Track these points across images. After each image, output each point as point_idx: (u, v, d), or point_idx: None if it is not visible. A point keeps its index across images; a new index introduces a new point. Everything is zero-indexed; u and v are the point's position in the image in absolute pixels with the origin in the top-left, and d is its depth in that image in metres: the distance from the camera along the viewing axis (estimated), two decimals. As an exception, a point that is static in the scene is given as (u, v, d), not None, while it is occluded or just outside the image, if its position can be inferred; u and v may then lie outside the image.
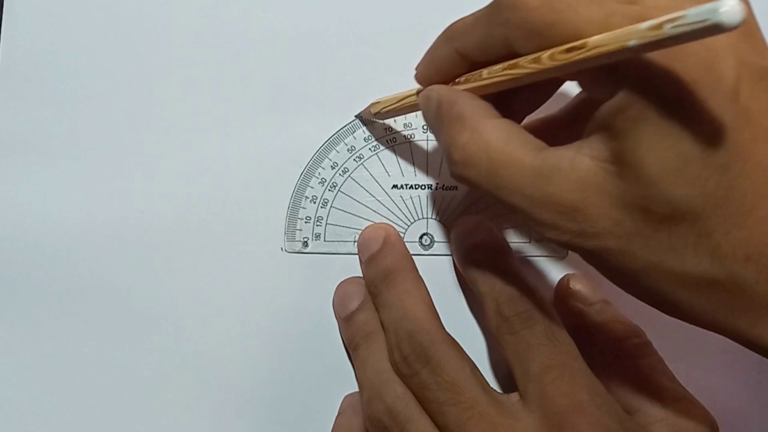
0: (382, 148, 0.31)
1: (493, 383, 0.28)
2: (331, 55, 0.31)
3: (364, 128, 0.31)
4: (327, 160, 0.31)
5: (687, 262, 0.19)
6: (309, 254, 0.30)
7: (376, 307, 0.28)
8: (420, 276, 0.28)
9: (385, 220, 0.31)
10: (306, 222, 0.30)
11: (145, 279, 0.30)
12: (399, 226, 0.30)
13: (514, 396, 0.25)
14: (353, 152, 0.31)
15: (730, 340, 0.21)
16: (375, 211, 0.31)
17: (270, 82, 0.31)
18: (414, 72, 0.27)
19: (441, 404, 0.24)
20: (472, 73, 0.24)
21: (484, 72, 0.23)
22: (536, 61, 0.20)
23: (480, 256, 0.27)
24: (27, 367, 0.30)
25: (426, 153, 0.31)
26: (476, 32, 0.23)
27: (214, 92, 0.31)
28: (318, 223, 0.30)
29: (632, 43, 0.17)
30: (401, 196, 0.31)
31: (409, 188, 0.31)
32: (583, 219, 0.20)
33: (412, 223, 0.31)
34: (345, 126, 0.31)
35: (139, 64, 0.31)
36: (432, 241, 0.30)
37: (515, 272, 0.27)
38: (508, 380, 0.29)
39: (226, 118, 0.31)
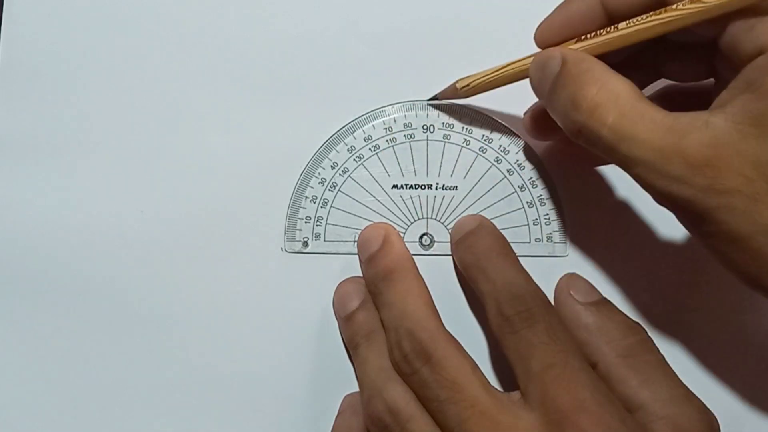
0: (382, 148, 0.31)
1: (494, 382, 0.28)
2: (331, 55, 0.31)
3: (364, 128, 0.31)
4: (327, 160, 0.31)
5: None
6: (309, 254, 0.30)
7: (376, 307, 0.28)
8: (420, 275, 0.28)
9: (385, 220, 0.31)
10: (306, 222, 0.30)
11: (145, 279, 0.30)
12: (399, 226, 0.30)
13: (515, 395, 0.25)
14: (353, 152, 0.31)
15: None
16: (375, 211, 0.31)
17: (270, 82, 0.31)
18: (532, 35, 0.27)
19: (441, 402, 0.24)
20: (605, 29, 0.24)
21: (621, 24, 0.23)
22: (696, 0, 0.20)
23: (481, 256, 0.27)
24: (27, 367, 0.30)
25: (426, 153, 0.31)
26: None
27: (214, 92, 0.31)
28: (318, 223, 0.30)
29: None
30: (401, 196, 0.31)
31: (409, 188, 0.31)
32: (714, 174, 0.20)
33: (412, 223, 0.31)
34: (345, 126, 0.31)
35: (139, 64, 0.31)
36: (432, 241, 0.30)
37: (516, 271, 0.27)
38: (509, 379, 0.29)
39: (226, 117, 0.31)
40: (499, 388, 0.27)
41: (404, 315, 0.26)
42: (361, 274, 0.30)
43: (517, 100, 0.30)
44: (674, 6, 0.21)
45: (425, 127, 0.31)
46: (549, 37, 0.26)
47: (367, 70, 0.31)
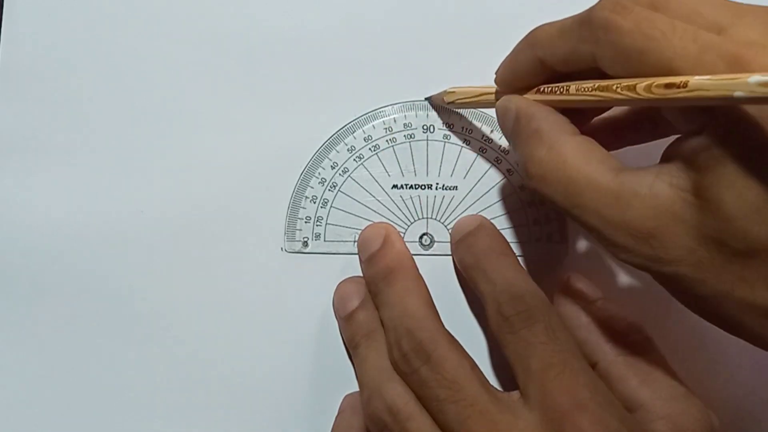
0: (382, 148, 0.31)
1: (494, 382, 0.28)
2: (331, 55, 0.31)
3: (364, 128, 0.31)
4: (327, 160, 0.31)
5: (758, 294, 0.19)
6: (309, 254, 0.30)
7: (376, 306, 0.28)
8: (420, 275, 0.28)
9: (385, 220, 0.31)
10: (306, 222, 0.30)
11: (145, 279, 0.30)
12: (399, 226, 0.30)
13: (515, 394, 0.25)
14: (353, 152, 0.31)
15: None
16: (375, 211, 0.31)
17: (270, 82, 0.31)
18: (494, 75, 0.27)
19: (441, 402, 0.24)
20: (558, 85, 0.24)
21: (572, 87, 0.23)
22: (630, 89, 0.20)
23: (481, 256, 0.27)
24: (27, 367, 0.30)
25: (426, 153, 0.31)
26: (562, 44, 0.23)
27: (214, 92, 0.31)
28: (318, 223, 0.30)
29: (738, 94, 0.17)
30: (401, 196, 0.31)
31: (409, 188, 0.31)
32: (658, 245, 0.20)
33: (412, 223, 0.31)
34: (345, 126, 0.31)
35: (139, 64, 0.31)
36: (432, 241, 0.30)
37: (515, 272, 0.27)
38: (508, 379, 0.29)
39: (226, 117, 0.31)
40: (499, 388, 0.27)
41: (404, 314, 0.26)
42: (361, 274, 0.30)
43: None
44: (612, 86, 0.21)
45: (425, 127, 0.31)
46: (505, 82, 0.27)
47: (367, 70, 0.31)
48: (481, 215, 0.30)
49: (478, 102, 0.28)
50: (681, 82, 0.19)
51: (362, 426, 0.27)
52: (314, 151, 0.31)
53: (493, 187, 0.31)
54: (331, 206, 0.31)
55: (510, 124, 0.25)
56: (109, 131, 0.31)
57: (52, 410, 0.29)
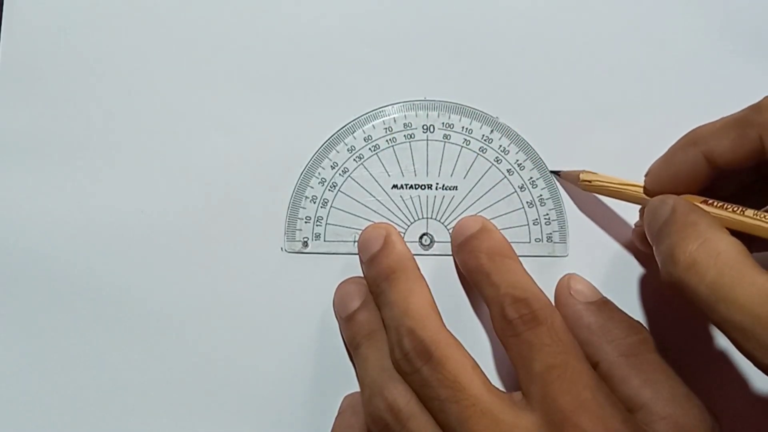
0: (382, 148, 0.31)
1: (496, 381, 0.28)
2: (331, 55, 0.31)
3: (364, 128, 0.31)
4: (327, 160, 0.31)
5: None
6: (309, 254, 0.30)
7: (378, 306, 0.28)
8: (421, 274, 0.28)
9: (385, 220, 0.31)
10: (306, 222, 0.30)
11: (145, 279, 0.30)
12: (399, 226, 0.30)
13: (517, 395, 0.25)
14: (353, 152, 0.31)
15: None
16: (375, 211, 0.31)
17: (270, 82, 0.31)
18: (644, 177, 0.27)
19: (442, 401, 0.24)
20: (733, 204, 0.24)
21: (749, 211, 0.23)
22: None
23: (484, 260, 0.27)
24: (27, 367, 0.30)
25: (426, 153, 0.31)
26: (727, 134, 0.23)
27: (214, 92, 0.31)
28: (318, 223, 0.30)
29: None
30: (401, 196, 0.31)
31: (409, 188, 0.31)
32: None
33: (412, 223, 0.31)
34: (345, 126, 0.31)
35: (139, 64, 0.31)
36: (432, 241, 0.30)
37: (518, 274, 0.27)
38: (511, 379, 0.29)
39: (226, 117, 0.31)
40: (502, 388, 0.27)
41: (405, 314, 0.26)
42: (361, 274, 0.30)
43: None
44: None
45: (425, 127, 0.31)
46: (660, 180, 0.26)
47: (367, 70, 0.31)
48: (482, 216, 0.30)
49: (621, 192, 0.28)
50: None
51: (362, 426, 0.27)
52: (314, 151, 0.31)
53: (493, 187, 0.31)
54: (331, 206, 0.31)
55: (663, 216, 0.24)
56: (109, 131, 0.31)
57: (52, 410, 0.29)
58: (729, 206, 0.24)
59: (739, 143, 0.23)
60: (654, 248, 0.24)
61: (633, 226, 0.30)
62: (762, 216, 0.22)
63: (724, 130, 0.23)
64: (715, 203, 0.24)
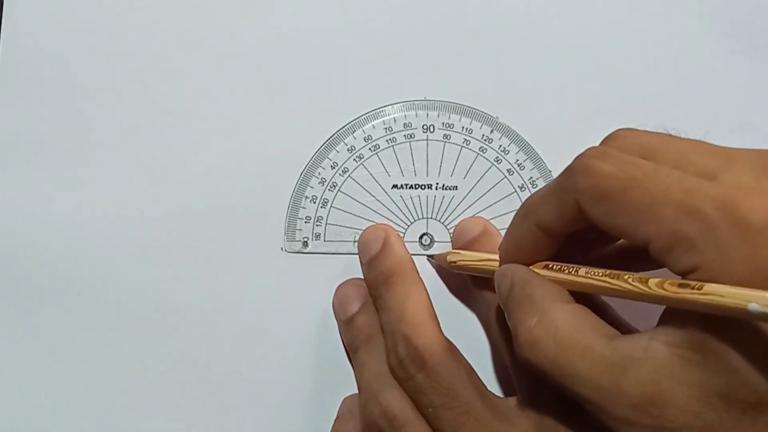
0: (382, 148, 0.31)
1: (494, 387, 0.28)
2: (331, 55, 0.31)
3: (364, 128, 0.31)
4: (327, 160, 0.31)
5: None
6: (309, 254, 0.30)
7: (377, 310, 0.28)
8: (420, 278, 0.28)
9: (385, 220, 0.31)
10: (306, 222, 0.30)
11: (145, 279, 0.30)
12: (399, 226, 0.30)
13: (512, 400, 0.25)
14: (353, 152, 0.31)
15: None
16: (375, 211, 0.31)
17: (270, 82, 0.31)
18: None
19: (436, 408, 0.24)
20: (568, 265, 0.23)
21: (582, 270, 0.22)
22: (642, 282, 0.20)
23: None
24: (27, 367, 0.30)
25: (426, 153, 0.31)
26: (550, 201, 0.22)
27: (214, 92, 0.31)
28: (318, 223, 0.30)
29: (752, 307, 0.17)
30: (401, 196, 0.31)
31: (409, 188, 0.31)
32: (660, 413, 0.19)
33: (412, 223, 0.31)
34: (345, 126, 0.31)
35: (139, 64, 0.31)
36: (432, 241, 0.30)
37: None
38: (508, 382, 0.29)
39: (226, 117, 0.31)
40: (499, 391, 0.28)
41: (401, 320, 0.26)
42: (361, 275, 0.30)
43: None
44: (624, 276, 0.21)
45: (425, 127, 0.31)
46: (508, 256, 0.25)
47: (367, 70, 0.31)
48: (483, 218, 0.30)
49: (479, 267, 0.27)
50: (696, 284, 0.18)
51: (359, 430, 0.27)
52: (314, 151, 0.31)
53: (493, 187, 0.31)
54: (331, 206, 0.31)
55: (505, 292, 0.24)
56: (109, 131, 0.31)
57: (53, 409, 0.30)
58: (565, 267, 0.23)
59: (561, 211, 0.22)
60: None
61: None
62: (593, 273, 0.22)
63: (547, 197, 0.23)
64: (554, 266, 0.23)
